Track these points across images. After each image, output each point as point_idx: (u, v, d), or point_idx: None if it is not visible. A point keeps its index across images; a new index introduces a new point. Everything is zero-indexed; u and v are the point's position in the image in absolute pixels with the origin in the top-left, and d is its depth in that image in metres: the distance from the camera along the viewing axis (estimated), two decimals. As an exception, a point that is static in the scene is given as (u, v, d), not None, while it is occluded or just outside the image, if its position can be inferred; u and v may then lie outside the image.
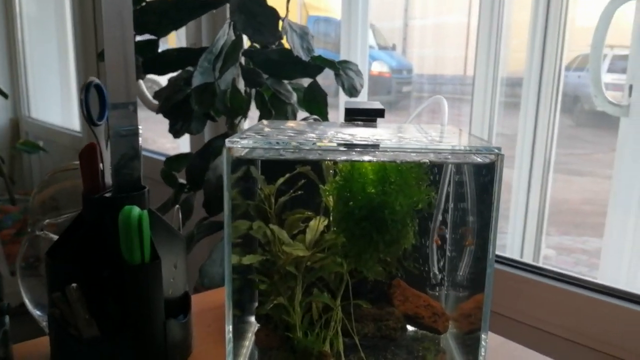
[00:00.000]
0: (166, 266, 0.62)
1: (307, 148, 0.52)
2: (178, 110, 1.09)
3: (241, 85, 1.17)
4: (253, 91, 1.18)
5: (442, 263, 0.71)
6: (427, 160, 0.52)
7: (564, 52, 1.23)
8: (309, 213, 0.63)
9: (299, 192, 0.62)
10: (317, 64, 1.07)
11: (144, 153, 0.62)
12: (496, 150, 0.51)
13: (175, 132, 1.10)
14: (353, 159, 0.54)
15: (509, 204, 1.30)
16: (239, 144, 0.52)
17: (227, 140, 0.52)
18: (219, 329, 0.72)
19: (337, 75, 1.09)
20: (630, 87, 1.19)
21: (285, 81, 1.17)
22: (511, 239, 1.32)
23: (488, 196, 0.54)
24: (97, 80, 0.61)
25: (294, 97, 1.16)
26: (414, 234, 0.59)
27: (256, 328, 0.66)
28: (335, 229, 0.59)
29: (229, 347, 0.57)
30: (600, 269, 1.20)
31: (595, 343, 1.02)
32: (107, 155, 0.62)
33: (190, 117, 1.09)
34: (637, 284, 1.10)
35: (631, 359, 0.97)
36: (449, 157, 0.54)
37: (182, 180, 1.28)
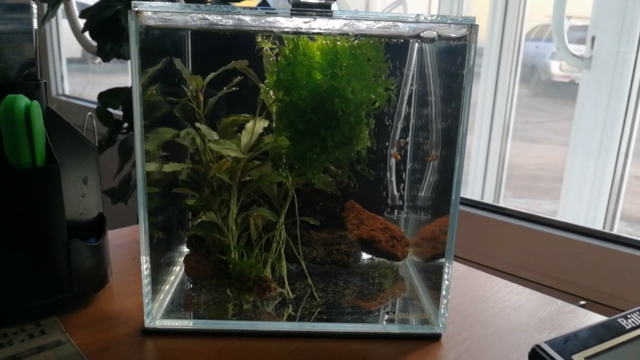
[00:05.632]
0: (71, 178, 0.51)
1: (236, 14, 0.41)
2: (107, 29, 0.95)
3: (182, 7, 1.04)
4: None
5: (402, 182, 0.63)
6: (364, 34, 0.43)
7: (525, 21, 1.21)
8: (246, 115, 0.53)
9: (235, 89, 0.52)
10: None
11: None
12: (468, 21, 0.42)
13: (105, 55, 0.96)
14: (298, 31, 0.43)
15: (467, 168, 1.30)
16: (150, 7, 0.41)
17: (133, 2, 0.41)
18: (146, 261, 0.62)
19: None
20: (593, 39, 1.15)
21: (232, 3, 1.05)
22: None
23: (457, 85, 0.45)
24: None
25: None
26: (370, 135, 0.49)
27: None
28: (276, 126, 0.49)
29: (146, 270, 0.47)
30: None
31: (554, 281, 0.97)
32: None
33: (121, 38, 0.96)
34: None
35: (588, 295, 0.93)
36: (414, 26, 0.44)
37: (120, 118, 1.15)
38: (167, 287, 0.54)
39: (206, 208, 0.52)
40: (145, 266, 0.47)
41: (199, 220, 0.51)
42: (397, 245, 0.59)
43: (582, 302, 0.82)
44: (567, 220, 1.03)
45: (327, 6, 0.43)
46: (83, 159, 0.53)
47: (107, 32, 0.96)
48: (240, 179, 0.51)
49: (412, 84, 0.54)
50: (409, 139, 0.60)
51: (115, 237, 0.69)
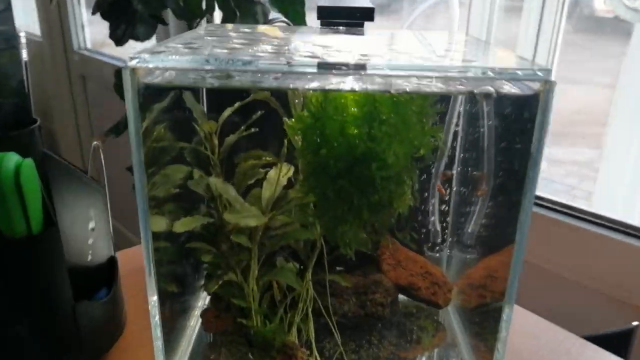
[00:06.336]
0: (77, 227, 0.46)
1: (248, 69, 0.33)
2: (119, 10, 0.86)
3: (199, -22, 0.94)
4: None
5: (445, 217, 0.55)
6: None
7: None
8: (269, 158, 0.46)
9: (253, 130, 0.44)
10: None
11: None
12: (542, 75, 0.33)
13: (117, 38, 0.88)
14: (324, 88, 0.35)
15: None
16: (147, 63, 0.33)
17: (130, 56, 0.33)
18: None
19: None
20: (651, -12, 1.00)
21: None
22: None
23: (519, 133, 0.37)
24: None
25: (265, -5, 0.94)
26: (413, 194, 0.42)
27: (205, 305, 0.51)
28: (301, 184, 0.41)
29: (157, 338, 0.42)
30: (598, 183, 1.07)
31: (599, 283, 0.90)
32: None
33: (134, 20, 0.87)
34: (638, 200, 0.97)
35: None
36: (468, 84, 0.36)
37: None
38: (185, 344, 0.49)
39: (224, 266, 0.46)
40: (157, 344, 0.42)
41: (220, 283, 0.45)
42: (438, 292, 0.53)
43: (635, 323, 0.75)
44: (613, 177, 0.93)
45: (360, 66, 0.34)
46: (89, 202, 0.48)
47: (119, 13, 0.87)
48: (262, 238, 0.44)
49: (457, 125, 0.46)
50: (454, 170, 0.53)
51: (125, 258, 0.64)
